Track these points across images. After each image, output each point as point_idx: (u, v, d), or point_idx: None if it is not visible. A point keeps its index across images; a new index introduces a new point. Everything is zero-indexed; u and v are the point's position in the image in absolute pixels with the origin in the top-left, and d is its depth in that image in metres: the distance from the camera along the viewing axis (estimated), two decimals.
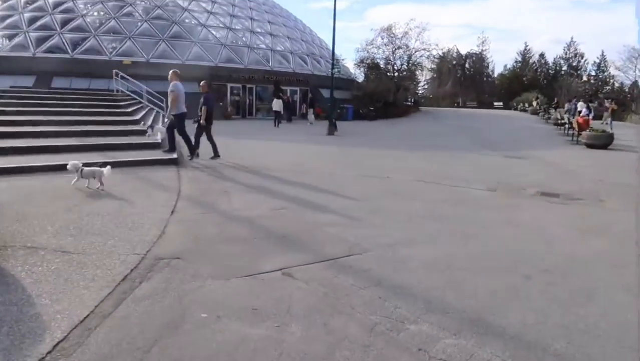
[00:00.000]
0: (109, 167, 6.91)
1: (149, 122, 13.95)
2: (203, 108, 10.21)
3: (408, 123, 31.27)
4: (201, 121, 10.09)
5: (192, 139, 10.33)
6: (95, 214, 5.52)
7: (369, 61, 43.04)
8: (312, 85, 32.85)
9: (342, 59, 48.56)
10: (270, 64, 32.29)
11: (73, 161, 6.87)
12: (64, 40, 27.33)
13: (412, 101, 51.80)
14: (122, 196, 6.48)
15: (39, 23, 27.93)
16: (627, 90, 56.67)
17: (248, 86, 31.17)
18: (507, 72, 69.17)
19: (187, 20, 31.40)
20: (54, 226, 4.99)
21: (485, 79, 69.97)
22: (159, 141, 10.63)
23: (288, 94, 31.15)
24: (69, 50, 26.92)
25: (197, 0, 32.98)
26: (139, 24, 29.36)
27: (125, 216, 5.53)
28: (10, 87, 19.26)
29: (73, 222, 5.17)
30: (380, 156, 12.97)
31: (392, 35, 40.93)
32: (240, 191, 7.35)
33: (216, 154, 10.56)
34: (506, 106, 54.78)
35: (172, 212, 5.83)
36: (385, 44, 41.51)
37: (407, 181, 9.08)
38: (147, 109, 19.19)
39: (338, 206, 6.60)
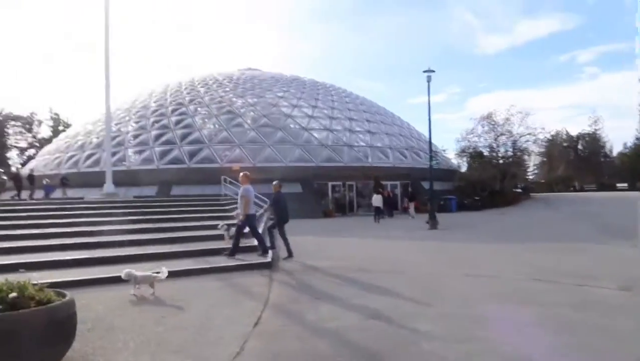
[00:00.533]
0: (165, 270, 6.95)
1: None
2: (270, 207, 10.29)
3: (518, 212, 29.28)
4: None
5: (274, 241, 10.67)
6: (180, 327, 5.37)
7: (470, 150, 42.10)
8: (413, 178, 32.48)
9: (443, 150, 47.97)
10: (369, 160, 32.76)
11: (127, 269, 6.89)
12: (182, 152, 30.21)
13: (522, 187, 49.03)
14: (210, 305, 6.35)
15: (163, 139, 31.39)
16: None
17: (348, 183, 31.61)
18: (628, 150, 63.52)
19: (290, 126, 33.43)
20: (136, 342, 4.88)
21: (602, 159, 64.82)
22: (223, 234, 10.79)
23: (388, 189, 30.98)
24: (187, 161, 29.59)
25: (299, 107, 35.25)
26: (248, 132, 31.76)
27: (209, 329, 5.30)
28: (134, 197, 21.24)
29: (156, 337, 5.03)
30: (487, 251, 11.88)
31: (493, 122, 40.08)
32: (330, 297, 6.89)
33: (289, 254, 10.46)
34: (632, 187, 49.52)
35: (256, 324, 5.51)
36: (486, 132, 40.65)
37: (520, 280, 8.02)
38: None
39: (437, 314, 5.85)
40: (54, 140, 41.61)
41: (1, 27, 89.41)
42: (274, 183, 11.55)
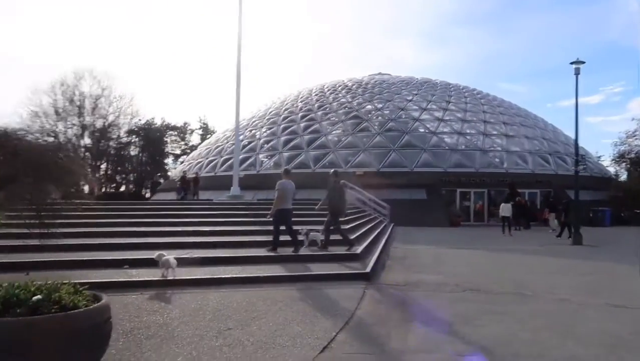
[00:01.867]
0: (172, 258, 7.40)
1: (363, 231, 13.51)
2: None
3: None
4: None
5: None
6: (239, 343, 4.73)
7: (631, 155, 36.37)
8: (557, 186, 28.82)
9: (598, 156, 42.29)
10: (504, 166, 29.94)
11: (158, 252, 7.46)
12: (308, 157, 30.55)
13: None
14: (283, 319, 5.63)
15: (291, 144, 32.11)
16: None
17: (479, 190, 29.16)
18: None
19: (419, 129, 31.99)
20: (200, 354, 4.34)
21: None
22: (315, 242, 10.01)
23: (526, 197, 27.87)
24: (312, 165, 29.81)
25: (429, 110, 33.63)
26: (373, 137, 31.06)
27: (268, 348, 4.57)
28: (257, 200, 21.80)
29: (209, 352, 4.44)
30: None
31: None
32: (426, 321, 5.75)
33: (326, 244, 10.13)
34: None
35: (325, 347, 4.63)
36: None
37: None
38: (368, 218, 19.15)
39: (562, 357, 4.41)
40: (199, 147, 45.26)
41: (157, 44, 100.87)
42: (331, 171, 11.36)
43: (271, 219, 9.89)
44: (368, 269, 8.30)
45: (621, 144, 36.51)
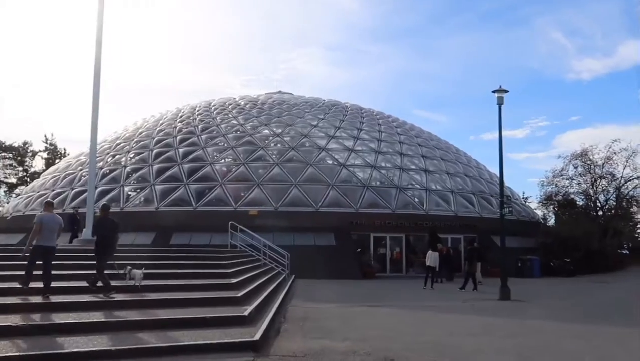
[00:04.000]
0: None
1: (255, 285, 13.18)
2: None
3: (625, 280, 26.95)
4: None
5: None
6: None
7: (559, 197, 39.87)
8: (481, 231, 30.59)
9: (525, 197, 45.88)
10: (424, 207, 31.28)
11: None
12: (189, 191, 29.72)
13: (629, 248, 46.00)
14: None
15: (166, 174, 31.10)
16: None
17: (396, 235, 30.13)
18: None
19: (325, 161, 32.59)
20: None
21: None
22: None
23: (449, 244, 29.26)
24: (193, 202, 29.03)
25: (337, 138, 34.50)
26: (271, 168, 31.07)
27: None
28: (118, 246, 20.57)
29: None
30: (580, 336, 10.20)
31: (589, 162, 37.90)
32: None
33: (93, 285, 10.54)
34: None
35: None
36: (580, 174, 38.46)
37: None
38: (261, 269, 18.88)
39: None
40: (42, 174, 42.34)
41: None
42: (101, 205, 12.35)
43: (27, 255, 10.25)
44: (257, 337, 7.98)
45: (548, 184, 39.87)
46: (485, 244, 29.12)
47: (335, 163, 32.29)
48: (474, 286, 20.57)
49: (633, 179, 37.84)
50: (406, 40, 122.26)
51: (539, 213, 43.59)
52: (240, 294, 10.79)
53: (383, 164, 33.32)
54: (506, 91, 17.91)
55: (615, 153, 37.53)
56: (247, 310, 9.55)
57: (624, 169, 37.91)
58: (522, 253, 30.57)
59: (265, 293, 12.92)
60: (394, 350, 8.25)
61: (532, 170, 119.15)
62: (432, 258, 22.25)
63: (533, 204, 44.46)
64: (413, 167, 34.14)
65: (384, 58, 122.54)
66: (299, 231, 28.05)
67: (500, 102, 17.99)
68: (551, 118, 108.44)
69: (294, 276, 22.91)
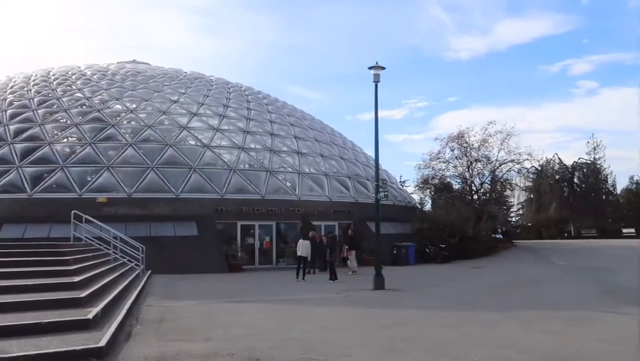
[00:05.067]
0: None
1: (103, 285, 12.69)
2: None
3: (497, 264, 29.22)
4: None
5: None
6: None
7: (435, 181, 42.24)
8: (357, 217, 31.73)
9: (403, 181, 47.94)
10: (297, 192, 31.76)
11: None
12: (22, 176, 27.82)
13: (503, 232, 49.93)
14: None
15: None
16: None
17: (266, 223, 30.37)
18: (635, 186, 66.65)
19: (188, 141, 31.97)
20: None
21: (604, 197, 67.56)
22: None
23: (322, 232, 30.01)
24: (27, 189, 27.23)
25: (201, 115, 33.95)
26: (123, 149, 29.91)
27: None
28: None
29: None
30: (452, 324, 10.95)
31: (465, 144, 40.44)
32: None
33: None
34: None
35: None
36: (456, 157, 40.95)
37: None
38: (111, 264, 18.28)
39: None
40: None
41: None
42: None
43: None
44: (103, 343, 7.68)
45: (424, 167, 42.03)
46: (361, 231, 30.30)
47: (198, 144, 31.79)
48: (334, 277, 21.62)
49: (507, 162, 40.91)
50: (279, 8, 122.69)
51: (416, 197, 45.88)
52: (83, 294, 10.31)
53: (252, 145, 33.37)
54: (383, 68, 18.59)
55: (490, 135, 40.36)
56: (92, 312, 9.16)
57: (499, 152, 40.90)
58: (398, 239, 32.04)
59: (115, 292, 12.48)
60: (260, 348, 8.35)
61: (410, 153, 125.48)
62: (303, 247, 22.69)
63: (410, 188, 46.69)
64: (285, 148, 34.49)
65: (253, 28, 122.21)
66: (156, 221, 27.40)
67: (376, 79, 18.63)
68: (430, 98, 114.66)
69: (149, 271, 22.39)
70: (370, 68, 18.48)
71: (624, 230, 56.21)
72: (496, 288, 18.38)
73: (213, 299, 15.42)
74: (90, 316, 8.87)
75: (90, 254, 17.63)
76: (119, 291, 13.21)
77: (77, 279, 11.59)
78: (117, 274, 16.28)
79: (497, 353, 8.21)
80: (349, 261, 26.05)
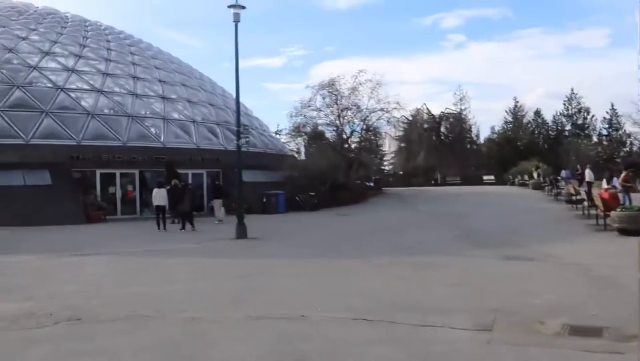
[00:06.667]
0: None
1: None
2: None
3: (365, 212, 29.72)
4: None
5: None
6: None
7: (307, 129, 42.11)
8: (225, 165, 30.95)
9: (279, 131, 47.15)
10: (162, 139, 30.42)
11: None
12: None
13: (373, 180, 51.05)
14: None
15: None
16: None
17: (128, 171, 28.94)
18: (495, 136, 70.52)
19: (37, 82, 29.42)
20: None
21: (468, 146, 70.93)
22: None
23: (190, 180, 29.03)
24: None
25: (54, 54, 31.37)
26: None
27: None
28: None
29: None
30: (306, 273, 10.77)
31: (336, 92, 40.39)
32: None
33: None
34: (499, 180, 54.84)
35: None
36: (328, 105, 40.85)
37: (339, 321, 7.00)
38: None
39: None
40: None
41: None
42: None
43: None
44: None
45: (296, 115, 41.58)
46: (231, 179, 29.62)
47: (51, 86, 29.31)
48: (184, 226, 21.13)
49: (376, 110, 41.38)
50: None
51: (293, 146, 45.57)
52: None
53: (113, 89, 31.37)
54: (243, 7, 17.81)
55: (360, 84, 40.44)
56: None
57: (369, 100, 41.23)
58: (270, 188, 31.71)
59: None
60: (86, 307, 7.69)
61: (288, 102, 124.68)
62: (159, 196, 21.76)
63: (287, 137, 46.21)
64: (149, 93, 32.81)
65: None
66: (3, 169, 25.19)
67: (236, 19, 17.83)
68: (308, 47, 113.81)
69: None
70: (230, 7, 17.58)
71: (485, 177, 59.66)
72: (358, 235, 18.56)
73: (56, 253, 14.33)
74: None
75: None
76: None
77: None
78: None
79: (343, 302, 8.03)
80: (215, 211, 25.42)
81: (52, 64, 30.75)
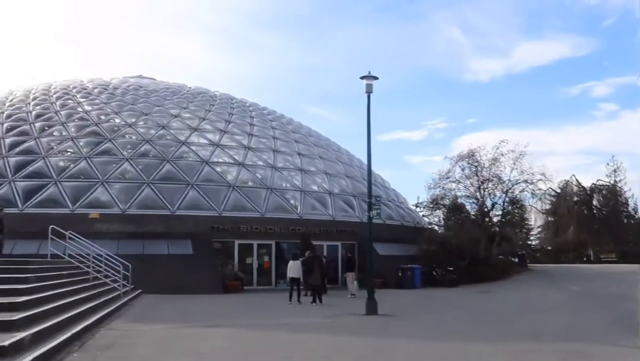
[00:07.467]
0: None
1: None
2: None
3: (507, 290, 27.86)
4: None
5: None
6: None
7: (446, 201, 40.89)
8: (361, 237, 30.53)
9: (420, 203, 45.94)
10: (298, 210, 30.76)
11: None
12: (15, 190, 27.18)
13: (518, 256, 48.39)
14: None
15: None
16: None
17: (265, 242, 29.34)
18: None
19: (185, 156, 31.15)
20: None
21: (625, 220, 65.63)
22: None
23: (324, 252, 28.89)
24: (19, 203, 26.55)
25: (201, 130, 33.21)
26: (120, 164, 29.22)
27: None
28: None
29: None
30: (433, 358, 9.79)
31: (476, 163, 39.11)
32: None
33: None
34: None
35: None
36: (467, 177, 39.58)
37: None
38: (86, 284, 17.35)
39: None
40: None
41: None
42: None
43: None
44: None
45: (434, 187, 40.62)
46: (365, 251, 29.09)
47: (197, 160, 30.93)
48: (312, 300, 20.76)
49: (520, 182, 39.49)
50: (296, 29, 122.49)
51: (435, 219, 44.39)
52: (18, 316, 9.29)
53: (253, 162, 32.46)
54: (376, 78, 17.64)
55: (502, 155, 38.95)
56: (16, 337, 8.14)
57: (511, 171, 39.49)
58: (406, 261, 30.81)
59: (69, 314, 11.50)
60: None
61: (429, 174, 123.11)
62: (293, 269, 21.56)
63: (425, 210, 45.14)
64: (288, 165, 33.57)
65: (270, 48, 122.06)
66: (150, 238, 26.50)
67: (369, 90, 17.69)
68: (449, 120, 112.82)
69: (139, 291, 21.55)
70: (362, 78, 17.49)
71: None
72: (498, 316, 17.10)
73: (187, 323, 14.37)
74: (6, 343, 7.78)
75: (65, 272, 16.75)
76: (78, 312, 12.25)
77: (21, 299, 10.58)
78: (87, 294, 15.34)
79: None
80: (348, 284, 24.88)
81: (200, 139, 32.53)
